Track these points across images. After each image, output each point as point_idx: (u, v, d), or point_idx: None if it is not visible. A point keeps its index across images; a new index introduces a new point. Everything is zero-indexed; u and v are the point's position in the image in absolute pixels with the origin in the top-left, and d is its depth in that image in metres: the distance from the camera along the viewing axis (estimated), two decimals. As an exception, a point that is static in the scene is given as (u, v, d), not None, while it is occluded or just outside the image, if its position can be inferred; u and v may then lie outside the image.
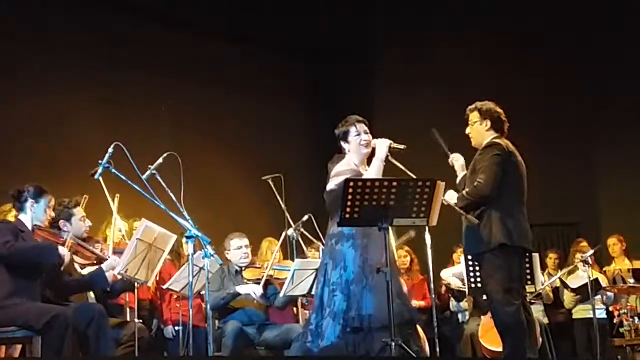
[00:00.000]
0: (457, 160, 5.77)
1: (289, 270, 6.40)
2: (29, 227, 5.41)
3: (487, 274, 5.43)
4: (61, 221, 5.81)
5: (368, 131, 5.31)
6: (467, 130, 5.69)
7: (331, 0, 10.97)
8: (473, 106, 5.70)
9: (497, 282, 5.31)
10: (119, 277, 5.79)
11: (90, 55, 9.28)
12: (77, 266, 5.88)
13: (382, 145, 5.21)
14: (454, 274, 8.11)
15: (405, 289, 5.18)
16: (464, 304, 8.49)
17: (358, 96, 10.63)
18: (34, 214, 5.45)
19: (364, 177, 5.10)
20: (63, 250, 5.30)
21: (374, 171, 5.14)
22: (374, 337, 4.90)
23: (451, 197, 5.45)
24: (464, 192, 5.42)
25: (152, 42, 9.90)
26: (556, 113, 11.00)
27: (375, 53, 11.43)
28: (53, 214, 5.61)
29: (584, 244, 8.80)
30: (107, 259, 5.68)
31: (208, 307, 5.29)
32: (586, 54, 10.91)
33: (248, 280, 6.74)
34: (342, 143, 5.34)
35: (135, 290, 6.30)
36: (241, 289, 6.58)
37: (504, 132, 5.63)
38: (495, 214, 5.32)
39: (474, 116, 5.67)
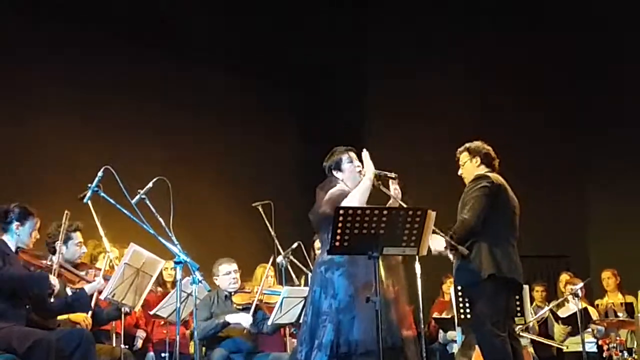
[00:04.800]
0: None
1: (279, 294, 6.37)
2: (13, 249, 5.34)
3: (475, 305, 5.42)
4: (57, 242, 5.77)
5: (357, 159, 5.31)
6: (460, 172, 5.71)
7: (322, 33, 11.06)
8: (462, 148, 5.77)
9: (484, 314, 5.30)
10: (106, 301, 5.73)
11: (83, 79, 9.31)
12: (68, 290, 5.82)
13: (369, 166, 5.18)
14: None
15: (395, 317, 5.13)
16: (451, 335, 8.43)
17: (346, 125, 10.65)
18: (18, 236, 5.37)
19: (351, 194, 5.09)
20: (54, 280, 5.24)
21: (362, 189, 5.10)
22: None
23: (439, 243, 5.40)
24: (450, 232, 5.37)
25: (145, 68, 9.93)
26: (547, 146, 11.04)
27: (364, 83, 11.50)
28: (38, 236, 5.54)
29: (563, 276, 8.85)
30: (90, 281, 5.63)
31: (195, 334, 5.22)
32: (579, 88, 10.98)
33: (238, 305, 6.67)
34: (334, 173, 5.31)
35: (122, 317, 6.21)
36: (231, 318, 6.48)
37: (494, 167, 5.67)
38: (484, 245, 5.33)
39: (464, 156, 5.74)
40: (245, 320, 6.49)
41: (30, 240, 5.45)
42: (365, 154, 5.22)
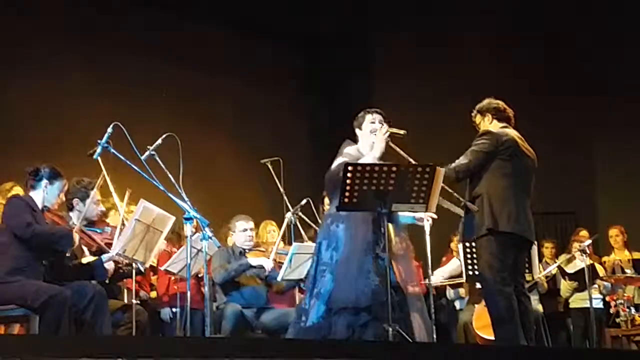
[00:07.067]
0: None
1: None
2: (40, 206, 5.39)
3: (480, 260, 5.45)
4: (75, 200, 5.81)
5: (383, 122, 5.32)
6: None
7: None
8: (474, 111, 5.74)
9: (488, 269, 5.32)
10: (118, 258, 5.78)
11: (89, 38, 9.26)
12: (85, 250, 5.86)
13: (377, 148, 5.22)
14: (448, 272, 8.18)
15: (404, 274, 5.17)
16: (461, 291, 8.48)
17: (357, 82, 10.58)
18: (46, 195, 5.42)
19: (366, 157, 5.12)
20: (76, 237, 5.31)
21: (377, 149, 5.13)
22: (341, 317, 4.92)
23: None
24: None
25: (151, 25, 9.87)
26: (556, 101, 10.97)
27: (374, 39, 11.38)
28: (64, 199, 5.58)
29: (584, 232, 8.80)
30: (107, 251, 5.67)
31: (206, 289, 5.28)
32: (587, 41, 10.89)
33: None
34: (356, 131, 5.40)
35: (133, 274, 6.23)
36: (253, 260, 6.65)
37: (509, 118, 5.64)
38: (485, 200, 5.32)
39: (477, 119, 5.72)
40: (267, 263, 6.62)
41: (56, 201, 5.50)
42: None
